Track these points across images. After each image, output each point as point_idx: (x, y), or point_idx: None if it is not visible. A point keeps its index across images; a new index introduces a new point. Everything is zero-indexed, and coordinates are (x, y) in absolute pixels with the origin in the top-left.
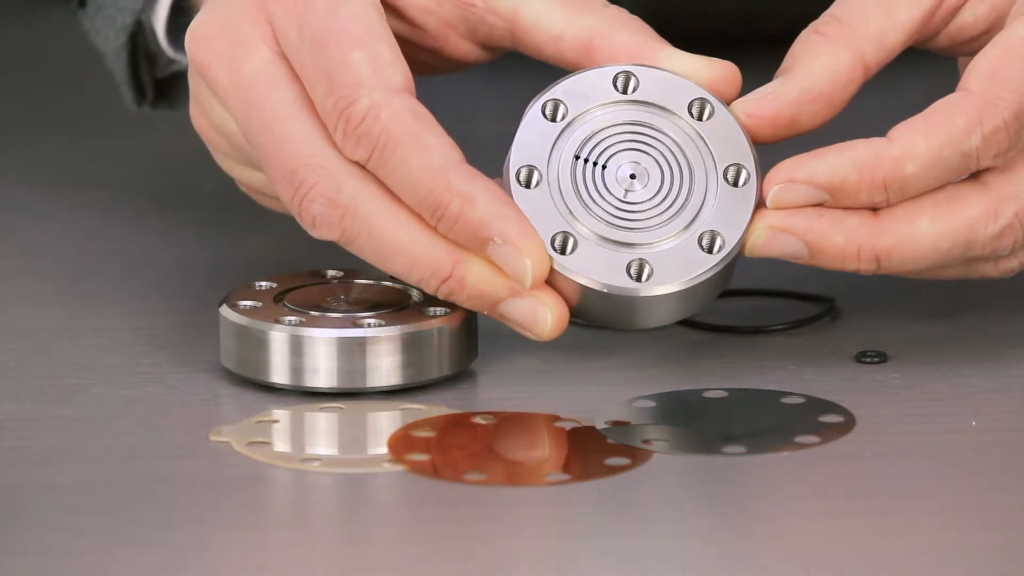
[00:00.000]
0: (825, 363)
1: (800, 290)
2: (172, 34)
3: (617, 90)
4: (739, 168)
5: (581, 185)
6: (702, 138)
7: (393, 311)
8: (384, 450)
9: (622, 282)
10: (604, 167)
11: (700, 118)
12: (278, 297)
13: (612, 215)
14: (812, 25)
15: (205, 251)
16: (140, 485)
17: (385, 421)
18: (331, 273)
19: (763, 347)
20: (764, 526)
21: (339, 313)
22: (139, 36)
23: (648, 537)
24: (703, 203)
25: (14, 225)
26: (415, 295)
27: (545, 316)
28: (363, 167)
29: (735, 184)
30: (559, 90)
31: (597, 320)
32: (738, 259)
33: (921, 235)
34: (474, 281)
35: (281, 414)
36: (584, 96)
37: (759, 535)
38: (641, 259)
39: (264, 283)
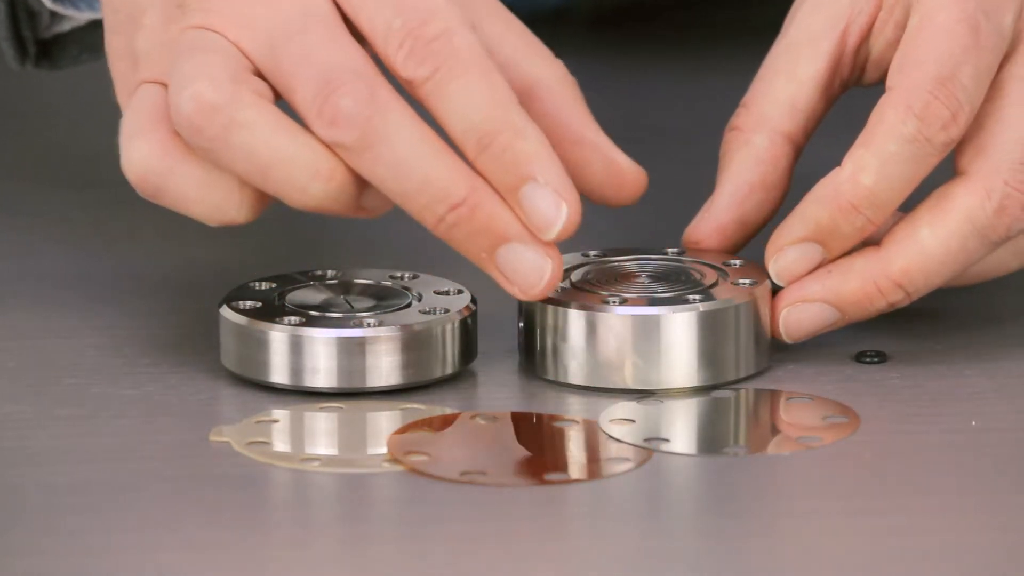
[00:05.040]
0: (825, 363)
1: None
2: None
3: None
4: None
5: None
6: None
7: (393, 311)
8: (384, 450)
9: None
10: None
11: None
12: (278, 297)
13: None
14: (729, 122)
15: (205, 251)
16: (140, 485)
17: (385, 421)
18: (330, 273)
19: None
20: (765, 526)
21: (339, 313)
22: None
23: (649, 537)
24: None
25: (14, 225)
26: (416, 295)
27: (545, 269)
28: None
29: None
30: None
31: None
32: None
33: (927, 245)
34: (485, 212)
35: (281, 414)
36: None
37: (760, 535)
38: None
39: (264, 283)
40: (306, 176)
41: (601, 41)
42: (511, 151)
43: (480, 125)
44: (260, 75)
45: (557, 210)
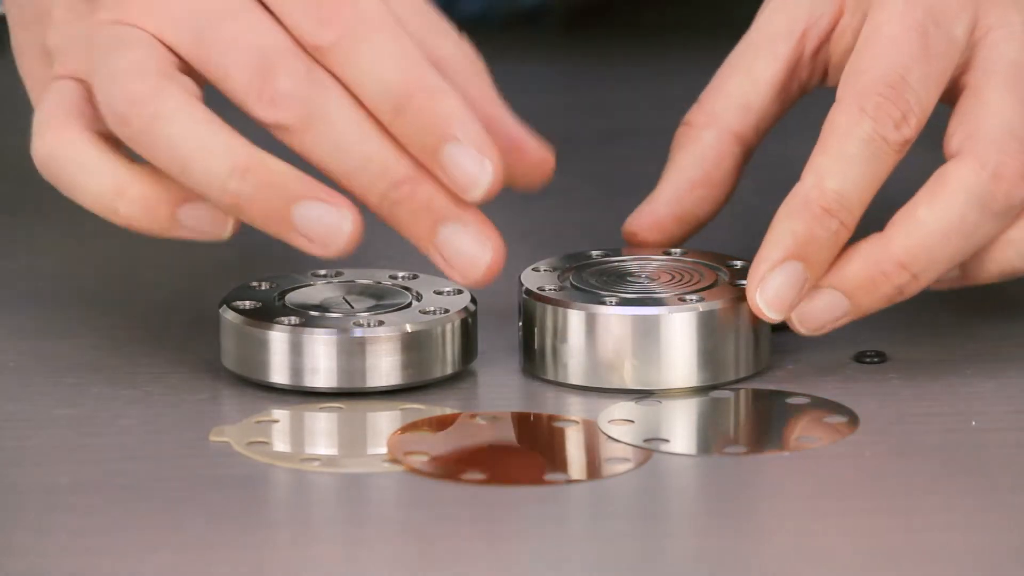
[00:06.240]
0: (825, 363)
1: None
2: None
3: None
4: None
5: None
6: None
7: (393, 311)
8: (384, 450)
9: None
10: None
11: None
12: (278, 297)
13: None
14: (683, 118)
15: (205, 251)
16: (140, 485)
17: (385, 421)
18: (331, 273)
19: None
20: (765, 526)
21: (339, 313)
22: None
23: (649, 537)
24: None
25: (14, 224)
26: (416, 295)
27: (486, 251)
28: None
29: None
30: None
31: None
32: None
33: (925, 222)
34: (427, 190)
35: (281, 414)
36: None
37: (760, 535)
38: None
39: (264, 283)
40: (225, 169)
41: (577, 41)
42: (428, 111)
43: (394, 87)
44: (185, 70)
45: (480, 167)
